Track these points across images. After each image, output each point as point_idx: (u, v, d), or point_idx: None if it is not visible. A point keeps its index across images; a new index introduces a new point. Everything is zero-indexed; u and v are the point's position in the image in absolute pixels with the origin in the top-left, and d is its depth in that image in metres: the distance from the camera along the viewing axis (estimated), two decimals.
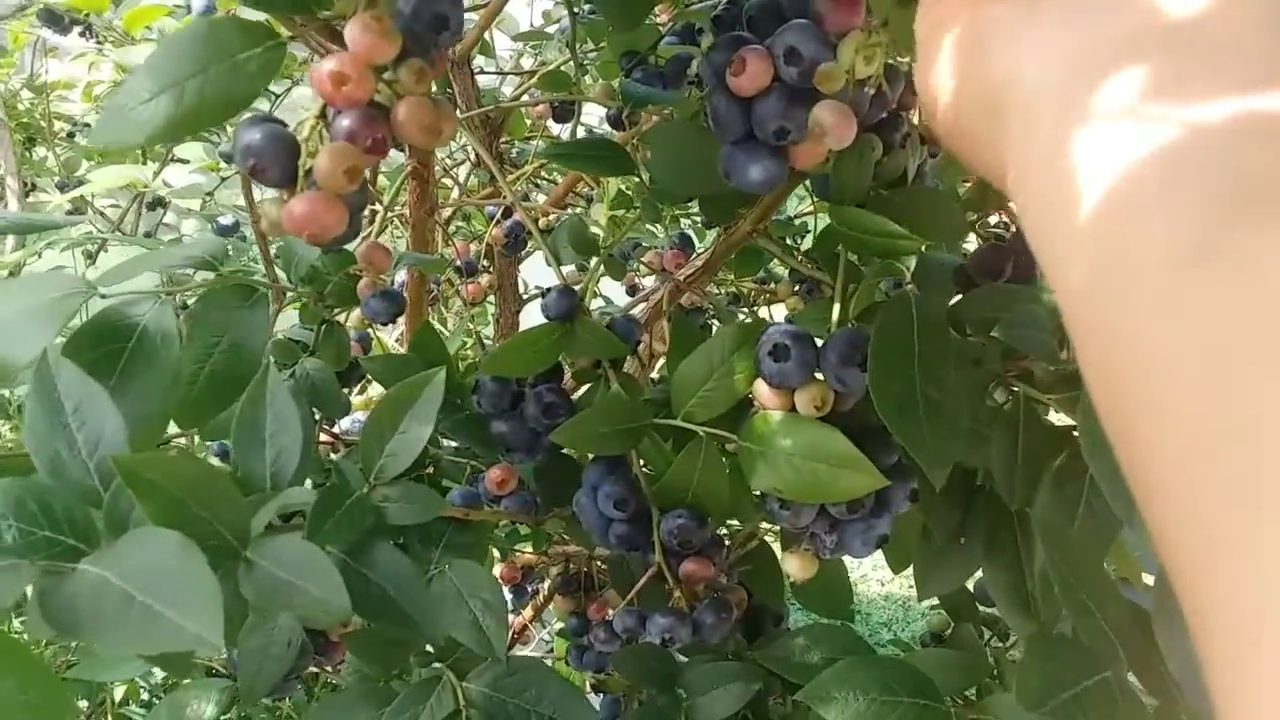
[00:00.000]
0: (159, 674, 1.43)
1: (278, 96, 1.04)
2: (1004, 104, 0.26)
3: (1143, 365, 0.20)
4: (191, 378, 0.53)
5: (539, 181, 1.32)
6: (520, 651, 1.32)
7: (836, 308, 0.53)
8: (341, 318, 0.68)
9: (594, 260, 0.68)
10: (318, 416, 0.69)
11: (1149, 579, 0.66)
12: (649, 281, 1.34)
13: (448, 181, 1.31)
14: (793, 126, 0.46)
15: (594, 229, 0.89)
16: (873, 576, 2.90)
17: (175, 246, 0.56)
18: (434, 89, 0.42)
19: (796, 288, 1.11)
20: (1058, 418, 0.57)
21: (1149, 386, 0.19)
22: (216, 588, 0.32)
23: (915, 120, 0.62)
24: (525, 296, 1.20)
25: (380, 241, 0.60)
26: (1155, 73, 0.22)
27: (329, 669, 0.86)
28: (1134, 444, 0.21)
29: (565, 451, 0.67)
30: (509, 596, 1.07)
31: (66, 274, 0.50)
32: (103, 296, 0.48)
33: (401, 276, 0.93)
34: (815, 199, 0.81)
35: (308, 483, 0.64)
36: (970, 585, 0.77)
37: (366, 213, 1.13)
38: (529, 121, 1.22)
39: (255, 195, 0.94)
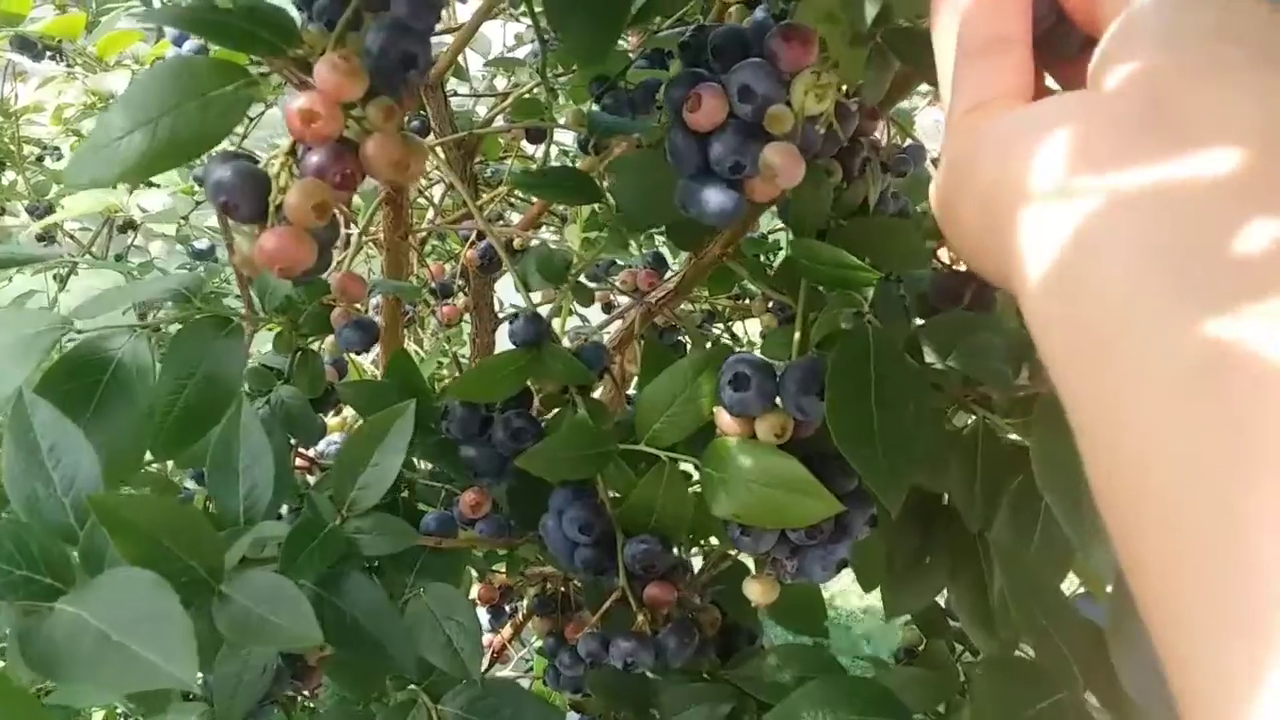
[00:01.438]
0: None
1: (251, 120, 1.04)
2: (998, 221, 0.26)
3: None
4: (166, 409, 0.54)
5: (514, 201, 1.33)
6: (500, 671, 1.32)
7: (797, 336, 0.54)
8: (316, 343, 0.69)
9: (564, 286, 0.69)
10: (293, 442, 0.70)
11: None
12: (624, 300, 1.36)
13: (423, 201, 1.31)
14: (747, 161, 0.47)
15: (568, 250, 0.90)
16: (853, 590, 2.89)
17: (151, 280, 0.56)
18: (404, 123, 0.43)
19: (770, 304, 1.12)
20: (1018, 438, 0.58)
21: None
22: (189, 627, 0.33)
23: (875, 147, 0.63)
24: (501, 316, 1.20)
25: (354, 271, 0.61)
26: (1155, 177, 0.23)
27: (305, 694, 0.87)
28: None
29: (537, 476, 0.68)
30: (487, 617, 1.07)
31: (41, 310, 0.51)
32: (79, 332, 0.49)
33: (376, 300, 0.94)
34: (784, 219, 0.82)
35: (284, 509, 0.65)
36: (942, 601, 0.78)
37: (341, 237, 1.13)
38: (503, 142, 1.23)
39: (230, 221, 0.94)
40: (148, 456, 0.61)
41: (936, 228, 0.64)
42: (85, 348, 0.51)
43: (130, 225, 1.54)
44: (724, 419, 0.53)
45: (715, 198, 0.49)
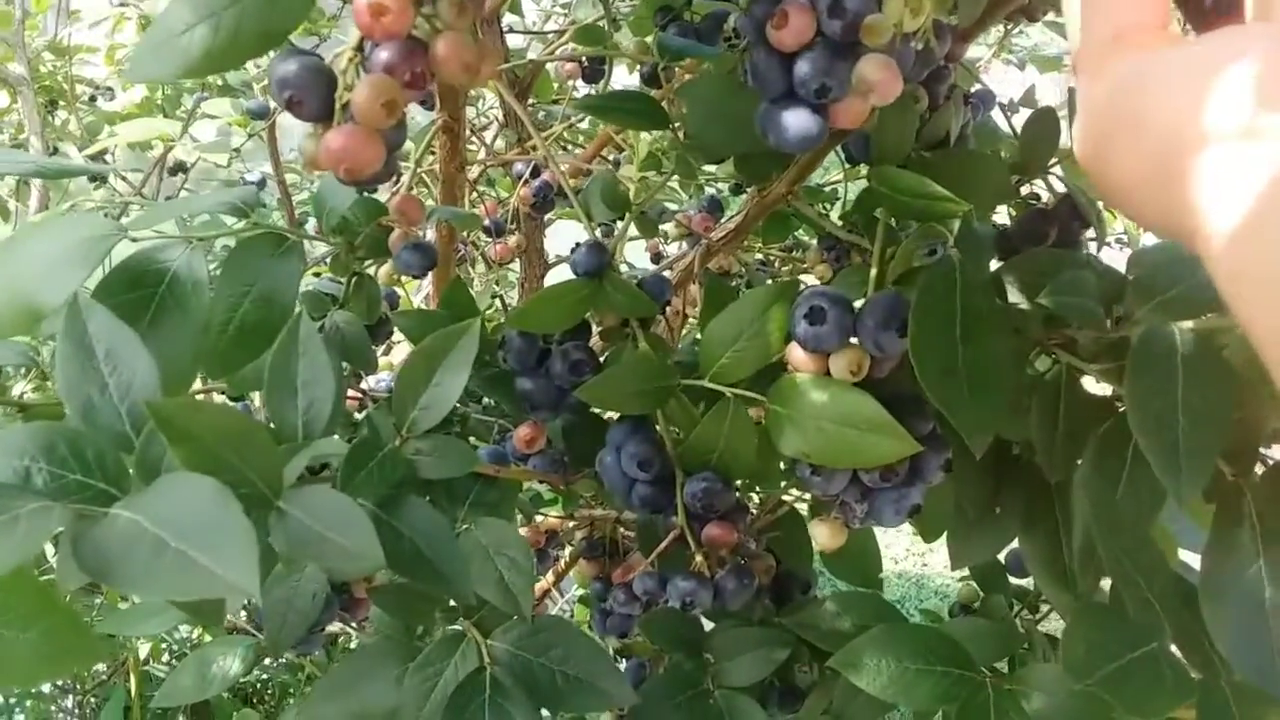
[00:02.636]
0: (183, 632, 1.44)
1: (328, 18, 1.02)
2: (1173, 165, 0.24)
3: None
4: (221, 327, 0.52)
5: (566, 146, 1.30)
6: None
7: (874, 272, 0.52)
8: (373, 268, 0.67)
9: (624, 218, 0.67)
10: (346, 371, 0.68)
11: (1184, 555, 0.65)
12: (674, 249, 1.33)
13: (474, 145, 1.30)
14: (835, 83, 0.44)
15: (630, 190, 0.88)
16: (886, 554, 2.87)
17: (205, 195, 0.55)
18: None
19: (825, 255, 1.09)
20: (1098, 388, 0.56)
21: None
22: (252, 535, 0.31)
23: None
24: (550, 262, 1.19)
25: (411, 194, 0.59)
26: None
27: (352, 627, 0.86)
28: None
29: (594, 411, 0.66)
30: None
31: (94, 216, 0.50)
32: (133, 240, 0.48)
33: (430, 235, 0.92)
34: (845, 165, 0.79)
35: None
36: (1000, 556, 0.76)
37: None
38: (556, 84, 1.21)
39: (281, 152, 0.93)
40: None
41: (1019, 165, 0.61)
42: (140, 259, 0.49)
43: (180, 168, 1.54)
44: (796, 354, 0.50)
45: (798, 122, 0.46)
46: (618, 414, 0.62)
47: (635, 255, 1.46)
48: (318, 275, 0.76)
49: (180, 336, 0.49)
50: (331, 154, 0.37)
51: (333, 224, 0.57)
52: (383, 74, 0.37)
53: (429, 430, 0.48)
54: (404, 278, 1.09)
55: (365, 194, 0.59)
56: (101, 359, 0.41)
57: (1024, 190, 0.66)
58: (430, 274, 0.94)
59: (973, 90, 0.83)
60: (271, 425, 0.44)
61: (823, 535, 0.54)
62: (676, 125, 0.64)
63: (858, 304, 0.51)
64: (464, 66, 0.38)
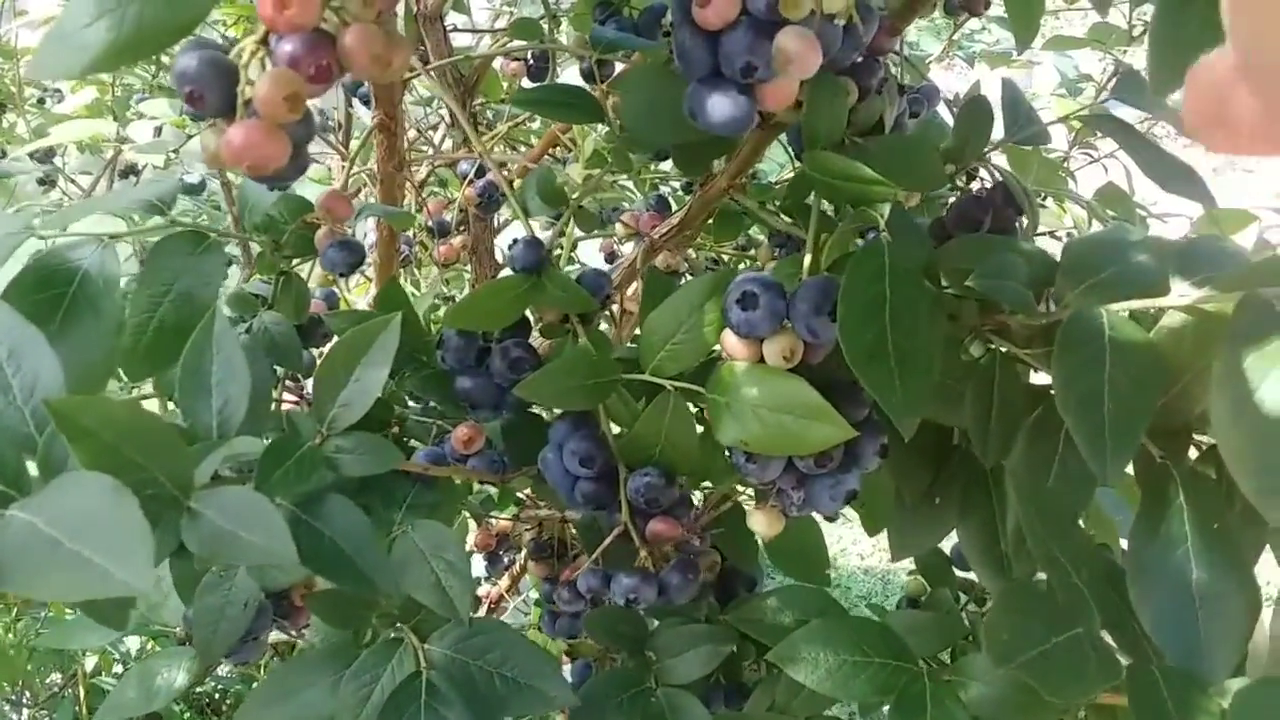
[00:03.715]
0: (132, 644, 1.42)
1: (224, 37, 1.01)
2: None
3: None
4: (140, 327, 0.51)
5: (516, 146, 1.29)
6: None
7: (808, 257, 0.52)
8: (306, 273, 0.66)
9: (564, 214, 0.66)
10: (280, 373, 0.67)
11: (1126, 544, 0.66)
12: (629, 248, 1.33)
13: (424, 145, 1.28)
14: (760, 62, 0.44)
15: (569, 188, 0.87)
16: (852, 550, 2.90)
17: (121, 191, 0.54)
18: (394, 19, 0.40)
19: (776, 252, 1.09)
20: (1036, 377, 0.56)
21: None
22: (147, 532, 0.30)
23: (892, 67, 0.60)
24: (501, 262, 1.18)
25: (339, 190, 0.58)
26: None
27: (296, 635, 0.85)
28: None
29: (533, 410, 0.66)
30: (483, 565, 1.05)
31: (5, 214, 0.48)
32: (42, 239, 0.46)
33: (373, 238, 0.91)
34: (794, 161, 0.79)
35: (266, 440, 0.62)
36: (947, 549, 0.76)
37: (337, 169, 1.10)
38: (505, 83, 1.20)
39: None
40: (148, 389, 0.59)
41: (953, 152, 0.61)
42: (50, 258, 0.48)
43: (132, 170, 1.51)
44: (730, 341, 0.50)
45: (725, 104, 0.46)
46: (559, 412, 0.61)
47: (591, 256, 1.46)
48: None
49: (93, 337, 0.48)
50: (233, 150, 0.36)
51: (256, 221, 0.56)
52: (286, 67, 0.36)
53: (352, 427, 0.47)
54: (352, 282, 1.07)
55: (285, 190, 0.57)
56: (4, 359, 0.40)
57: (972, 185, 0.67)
58: (375, 278, 0.93)
59: (919, 86, 0.83)
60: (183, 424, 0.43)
61: (760, 523, 0.54)
62: (614, 119, 0.63)
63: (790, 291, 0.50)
64: (373, 59, 0.37)
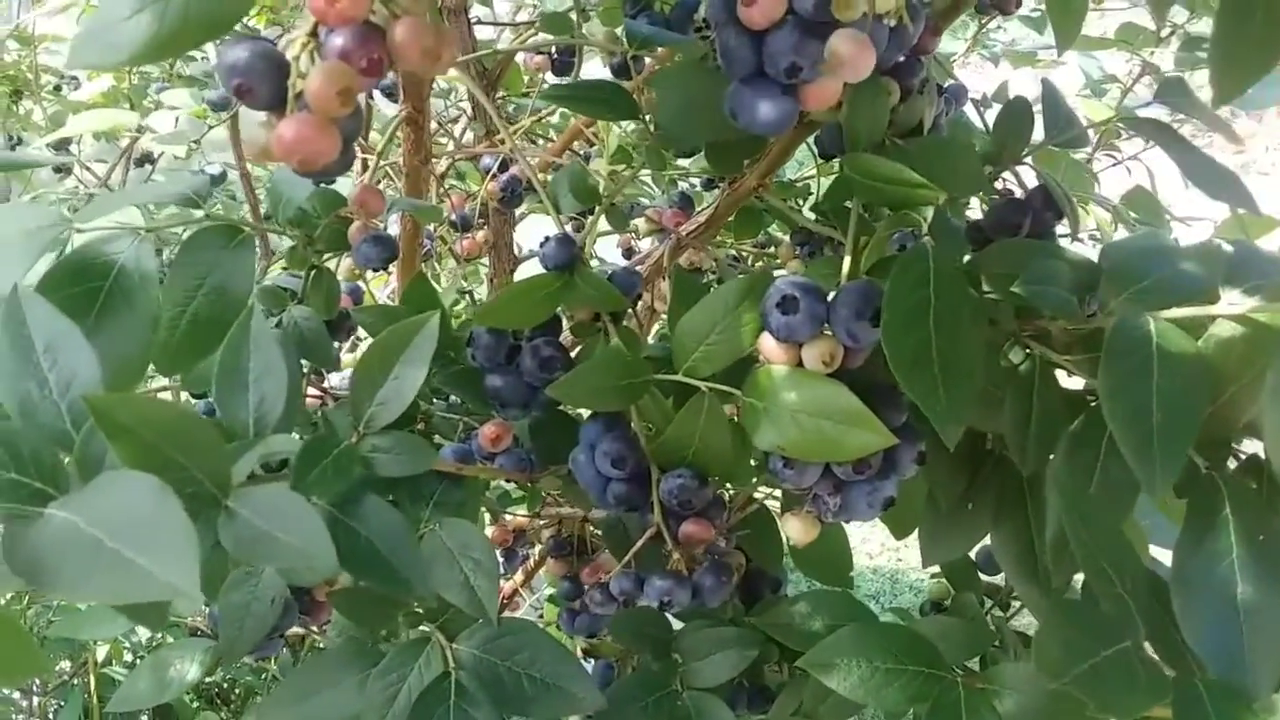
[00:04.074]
0: (143, 633, 1.42)
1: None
2: None
3: None
4: (173, 321, 0.51)
5: (536, 139, 1.29)
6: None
7: (847, 261, 0.51)
8: (331, 267, 0.65)
9: (594, 211, 0.65)
10: (306, 368, 0.66)
11: (1155, 551, 0.65)
12: (646, 244, 1.32)
13: (443, 139, 1.28)
14: (806, 63, 0.43)
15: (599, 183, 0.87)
16: (861, 549, 2.90)
17: (156, 184, 0.53)
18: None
19: (798, 251, 1.08)
20: (1070, 382, 0.55)
21: None
22: (192, 534, 0.30)
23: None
24: (520, 256, 1.17)
25: (372, 185, 0.57)
26: None
27: (315, 630, 0.85)
28: None
29: (562, 408, 0.65)
30: (500, 560, 1.05)
31: (40, 206, 0.48)
32: (79, 231, 0.46)
33: (395, 230, 0.90)
34: (819, 160, 0.79)
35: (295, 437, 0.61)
36: (971, 553, 0.75)
37: (359, 163, 1.10)
38: (526, 77, 1.19)
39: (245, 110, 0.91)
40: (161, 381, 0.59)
41: (991, 154, 0.60)
42: (87, 251, 0.48)
43: (148, 159, 1.50)
44: (768, 345, 0.49)
45: (768, 103, 0.45)
46: (589, 411, 0.61)
47: (607, 251, 1.45)
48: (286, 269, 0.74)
49: (128, 331, 0.47)
50: (285, 144, 0.35)
51: (289, 216, 0.56)
52: (338, 60, 0.35)
53: (387, 426, 0.46)
54: (368, 273, 1.07)
55: (324, 185, 0.57)
56: (40, 354, 0.39)
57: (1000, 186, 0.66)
58: (396, 271, 0.92)
59: (946, 85, 0.82)
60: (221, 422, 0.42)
61: (795, 530, 0.53)
62: (646, 116, 0.63)
63: (831, 295, 0.50)
64: (423, 53, 0.37)
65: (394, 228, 0.87)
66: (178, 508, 0.31)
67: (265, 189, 0.70)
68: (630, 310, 0.63)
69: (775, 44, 0.44)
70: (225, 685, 1.64)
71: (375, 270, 0.60)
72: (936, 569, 0.78)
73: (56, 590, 0.32)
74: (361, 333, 0.78)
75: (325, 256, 0.59)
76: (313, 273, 0.58)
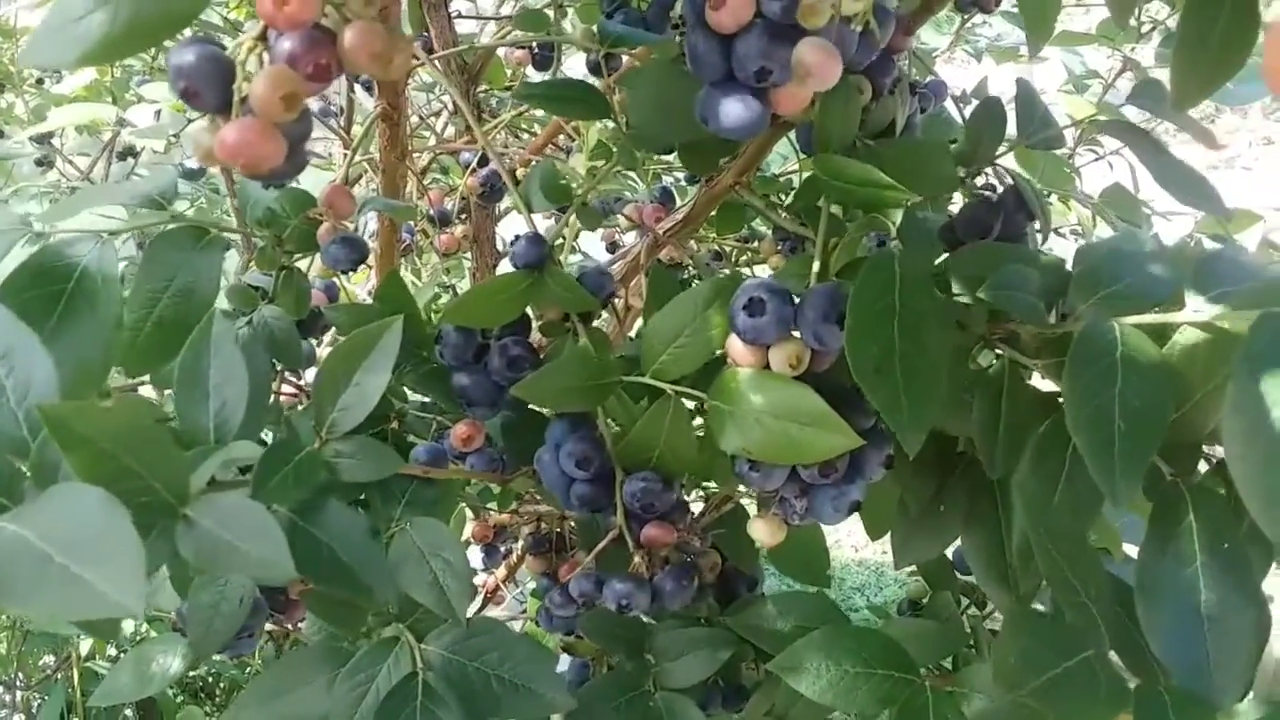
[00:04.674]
0: (127, 628, 1.42)
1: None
2: None
3: None
4: (138, 323, 0.51)
5: (519, 133, 1.28)
6: (493, 612, 1.30)
7: (816, 263, 0.51)
8: (304, 266, 0.65)
9: (568, 209, 0.65)
10: (279, 368, 0.66)
11: (1129, 549, 0.65)
12: (630, 238, 1.32)
13: (425, 133, 1.27)
14: (775, 66, 0.43)
15: (572, 179, 0.86)
16: (846, 542, 2.90)
17: (121, 184, 0.53)
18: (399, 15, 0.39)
19: (780, 246, 1.08)
20: (1044, 384, 0.55)
21: None
22: (139, 550, 0.30)
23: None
24: (502, 250, 1.17)
25: (342, 185, 0.57)
26: None
27: (291, 627, 0.84)
28: None
29: (534, 408, 0.65)
30: (481, 556, 1.05)
31: (2, 208, 0.47)
32: (39, 235, 0.46)
33: (373, 226, 0.90)
34: (800, 155, 0.78)
35: (268, 436, 0.61)
36: (949, 552, 0.75)
37: (338, 157, 1.09)
38: (509, 71, 1.19)
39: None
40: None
41: (965, 155, 0.60)
42: (48, 253, 0.47)
43: (130, 152, 1.49)
44: (736, 347, 0.49)
45: (737, 108, 0.45)
46: (557, 411, 0.60)
47: (592, 246, 1.45)
48: None
49: (91, 335, 0.47)
50: (227, 148, 0.35)
51: (258, 216, 0.55)
52: (283, 65, 0.35)
53: (352, 430, 0.46)
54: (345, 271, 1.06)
55: (290, 185, 0.57)
56: None
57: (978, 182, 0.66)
58: (375, 268, 0.92)
59: (926, 81, 0.82)
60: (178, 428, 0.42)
61: (761, 532, 0.53)
62: (620, 115, 0.62)
63: (798, 298, 0.50)
64: (373, 57, 0.37)
65: (372, 222, 0.87)
66: (126, 523, 0.31)
67: None
68: (606, 309, 0.63)
69: (744, 48, 0.43)
70: (210, 679, 1.64)
71: (344, 271, 0.59)
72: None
73: (7, 604, 0.32)
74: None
75: (295, 257, 0.59)
76: (282, 273, 0.58)
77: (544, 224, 0.98)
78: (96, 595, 0.29)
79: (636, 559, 0.55)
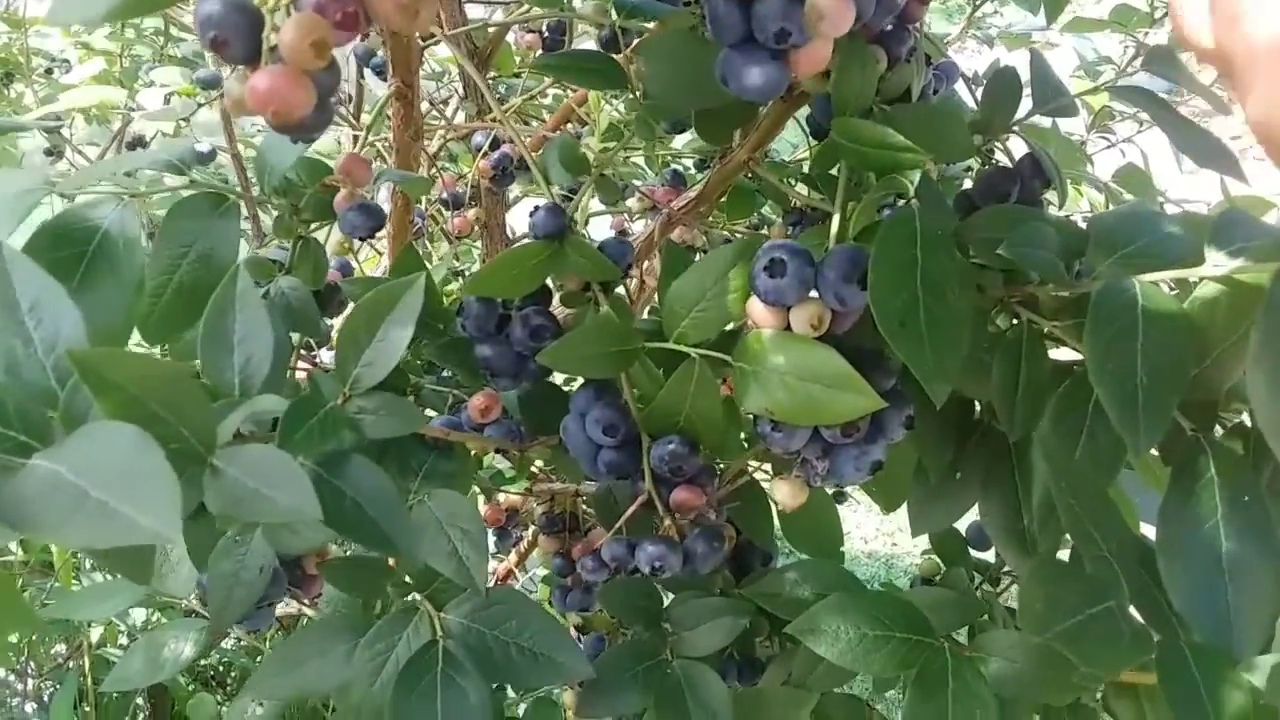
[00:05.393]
0: (137, 616, 1.42)
1: None
2: None
3: None
4: (158, 289, 0.51)
5: (528, 120, 1.28)
6: None
7: (835, 224, 0.51)
8: (321, 238, 0.65)
9: (585, 181, 0.65)
10: (295, 340, 0.66)
11: (1146, 529, 0.65)
12: (638, 227, 1.32)
13: (435, 119, 1.27)
14: (794, 28, 0.43)
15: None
16: (855, 534, 2.90)
17: (141, 152, 0.53)
18: None
19: (790, 230, 1.08)
20: (1058, 354, 0.55)
21: None
22: (174, 481, 0.30)
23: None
24: (513, 238, 1.17)
25: (359, 154, 0.57)
26: None
27: (306, 603, 0.84)
28: None
29: (552, 379, 0.65)
30: (492, 539, 1.05)
31: (22, 170, 0.48)
32: (63, 196, 0.46)
33: (386, 206, 0.90)
34: (810, 141, 0.78)
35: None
36: (961, 528, 0.75)
37: (348, 145, 1.09)
38: (518, 58, 1.19)
39: (235, 128, 0.90)
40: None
41: (981, 124, 0.60)
42: (70, 216, 0.48)
43: (139, 142, 1.50)
44: (757, 309, 0.49)
45: (759, 69, 0.45)
46: (579, 380, 0.60)
47: (601, 233, 1.45)
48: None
49: (112, 297, 0.47)
50: (258, 95, 0.35)
51: (274, 184, 0.55)
52: (311, 12, 0.35)
53: (374, 388, 0.46)
54: (361, 255, 1.06)
55: (308, 151, 0.57)
56: (26, 312, 0.39)
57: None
58: (388, 249, 0.92)
59: (938, 63, 0.82)
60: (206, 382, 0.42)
61: (784, 494, 0.53)
62: (637, 87, 0.63)
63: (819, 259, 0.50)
64: (399, 8, 0.37)
65: (385, 204, 0.87)
66: (160, 457, 0.31)
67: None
68: (622, 285, 0.63)
69: (763, 10, 0.43)
70: (221, 668, 1.64)
71: (362, 239, 0.60)
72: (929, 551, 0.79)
73: (43, 536, 0.32)
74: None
75: (312, 226, 0.59)
76: (299, 243, 0.58)
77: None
78: (133, 524, 0.29)
79: (667, 523, 0.55)
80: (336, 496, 0.42)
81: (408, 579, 0.60)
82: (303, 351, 0.71)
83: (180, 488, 0.31)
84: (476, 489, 0.95)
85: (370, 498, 0.43)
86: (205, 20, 0.36)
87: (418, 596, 0.59)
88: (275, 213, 0.58)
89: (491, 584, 1.17)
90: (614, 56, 0.61)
